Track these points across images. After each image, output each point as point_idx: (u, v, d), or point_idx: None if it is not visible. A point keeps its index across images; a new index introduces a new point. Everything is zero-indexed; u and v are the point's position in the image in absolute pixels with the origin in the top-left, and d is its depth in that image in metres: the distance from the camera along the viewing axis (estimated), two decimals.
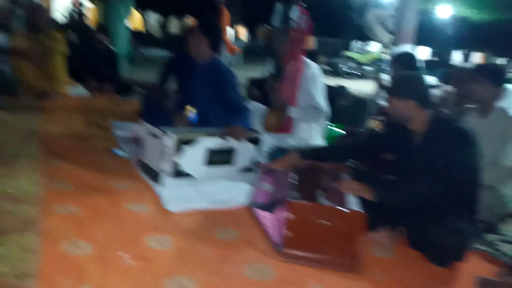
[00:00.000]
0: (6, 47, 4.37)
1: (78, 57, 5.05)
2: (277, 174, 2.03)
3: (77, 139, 3.02)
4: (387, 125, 2.21)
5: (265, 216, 1.91)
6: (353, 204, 1.74)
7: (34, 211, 1.82)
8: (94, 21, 10.03)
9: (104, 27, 5.35)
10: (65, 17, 10.34)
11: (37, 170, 2.30)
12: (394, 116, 1.93)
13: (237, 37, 14.71)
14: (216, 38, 2.92)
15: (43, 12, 4.53)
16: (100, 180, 2.30)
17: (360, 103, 4.27)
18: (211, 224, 1.95)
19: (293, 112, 2.97)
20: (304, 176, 1.94)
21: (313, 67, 2.99)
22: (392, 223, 1.90)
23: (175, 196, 2.14)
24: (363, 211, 1.68)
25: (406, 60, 3.13)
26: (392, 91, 1.94)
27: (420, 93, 1.86)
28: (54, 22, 7.28)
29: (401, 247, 1.91)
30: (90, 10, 12.60)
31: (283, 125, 3.03)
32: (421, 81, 1.92)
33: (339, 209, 1.67)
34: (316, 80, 2.95)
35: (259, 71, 7.23)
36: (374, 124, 4.32)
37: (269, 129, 3.01)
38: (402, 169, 1.95)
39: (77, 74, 4.84)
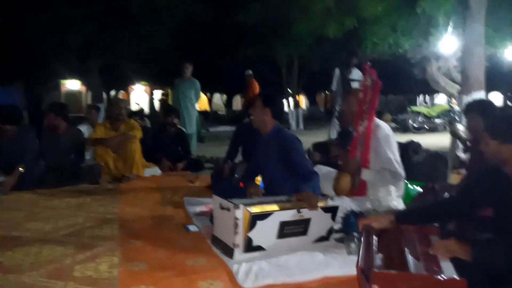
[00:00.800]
0: (88, 137, 4.82)
1: (152, 141, 5.42)
2: (367, 236, 1.84)
3: (152, 218, 3.11)
4: (477, 174, 1.98)
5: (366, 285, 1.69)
6: (450, 270, 1.52)
7: None
8: (166, 106, 10.95)
9: (175, 110, 5.73)
10: (141, 107, 11.40)
11: (115, 252, 2.35)
12: (490, 160, 1.75)
13: (296, 106, 15.06)
14: (277, 108, 2.97)
15: (121, 104, 4.99)
16: (174, 258, 2.28)
17: (436, 158, 3.99)
18: None
19: (366, 175, 2.80)
20: (391, 242, 1.76)
21: (384, 128, 2.86)
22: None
23: (249, 271, 2.04)
24: (462, 278, 1.45)
25: (482, 106, 2.90)
26: (493, 132, 1.76)
27: None
28: (131, 112, 8.05)
29: None
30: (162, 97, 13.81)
31: (355, 188, 2.87)
32: None
33: (434, 277, 1.46)
34: (389, 141, 2.80)
35: (320, 136, 7.22)
36: (456, 178, 3.98)
37: (340, 192, 2.86)
38: (500, 220, 1.70)
39: (152, 156, 5.15)
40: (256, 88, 8.78)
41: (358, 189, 2.86)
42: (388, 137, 2.83)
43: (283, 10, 9.86)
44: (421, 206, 2.45)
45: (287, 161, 2.79)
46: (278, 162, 2.86)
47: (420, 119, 12.55)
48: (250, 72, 8.51)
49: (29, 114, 8.50)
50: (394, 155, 2.77)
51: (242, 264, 2.10)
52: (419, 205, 2.69)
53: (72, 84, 21.29)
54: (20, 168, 3.94)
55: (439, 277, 1.45)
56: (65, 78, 18.55)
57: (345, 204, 2.75)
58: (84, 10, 9.17)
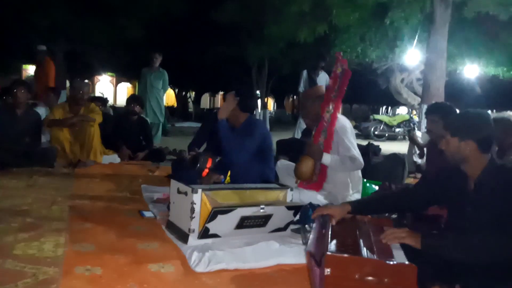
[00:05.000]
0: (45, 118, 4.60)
1: (113, 128, 5.23)
2: (320, 224, 1.85)
3: (106, 202, 2.99)
4: (435, 172, 2.02)
5: (314, 269, 1.67)
6: (400, 257, 1.54)
7: (54, 273, 1.72)
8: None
9: (138, 98, 5.55)
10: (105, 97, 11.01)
11: (63, 232, 2.24)
12: (450, 158, 1.78)
13: (264, 107, 15.16)
14: (245, 102, 3.02)
15: (82, 86, 4.76)
16: (124, 241, 2.20)
17: (395, 159, 4.09)
18: (239, 285, 1.78)
19: (326, 159, 2.77)
20: (346, 230, 1.77)
21: (341, 119, 2.87)
22: (447, 278, 1.65)
23: (202, 256, 1.98)
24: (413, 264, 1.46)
25: (442, 108, 2.97)
26: (453, 128, 1.77)
27: (484, 135, 1.72)
28: (93, 97, 7.75)
29: None
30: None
31: (316, 175, 2.86)
32: (488, 122, 1.74)
33: (386, 262, 1.47)
34: (346, 130, 2.80)
35: (285, 138, 7.25)
36: (412, 181, 4.10)
37: (301, 176, 2.83)
38: (454, 218, 1.75)
39: (112, 143, 4.96)
40: (51, 68, 6.77)
41: (316, 181, 2.86)
42: (345, 127, 2.82)
43: (258, 11, 9.86)
44: (378, 197, 2.49)
45: (257, 152, 2.80)
46: (249, 154, 2.88)
47: (381, 127, 13.04)
48: (44, 48, 6.80)
49: None
50: (352, 144, 2.78)
51: (195, 249, 2.05)
52: (375, 196, 2.73)
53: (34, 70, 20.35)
54: None
55: (390, 262, 1.47)
56: (27, 62, 17.67)
57: (302, 196, 2.76)
58: None
